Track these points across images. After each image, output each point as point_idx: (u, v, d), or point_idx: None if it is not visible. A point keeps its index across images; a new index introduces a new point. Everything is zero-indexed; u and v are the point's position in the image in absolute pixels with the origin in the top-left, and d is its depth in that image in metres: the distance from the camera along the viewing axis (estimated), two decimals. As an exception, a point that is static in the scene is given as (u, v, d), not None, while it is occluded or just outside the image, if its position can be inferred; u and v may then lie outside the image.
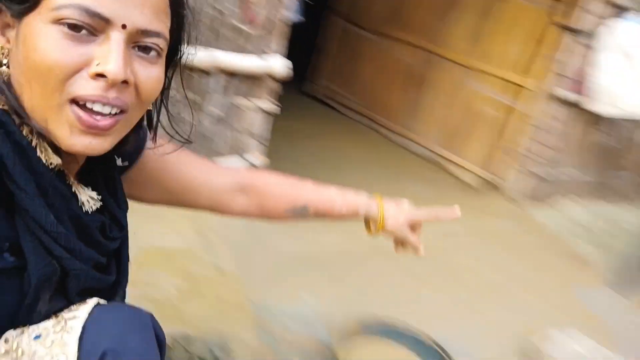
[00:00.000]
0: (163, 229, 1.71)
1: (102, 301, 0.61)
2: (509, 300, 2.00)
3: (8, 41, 0.54)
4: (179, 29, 0.60)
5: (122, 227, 0.69)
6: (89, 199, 0.62)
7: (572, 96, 2.72)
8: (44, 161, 0.54)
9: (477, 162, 3.10)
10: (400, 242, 0.97)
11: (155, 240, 1.62)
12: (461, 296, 1.93)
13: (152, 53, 0.55)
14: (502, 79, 2.99)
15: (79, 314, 0.57)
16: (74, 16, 0.49)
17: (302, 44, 4.80)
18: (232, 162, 1.98)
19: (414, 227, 0.95)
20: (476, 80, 3.13)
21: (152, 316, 0.63)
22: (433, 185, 3.04)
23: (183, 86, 0.67)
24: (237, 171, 0.92)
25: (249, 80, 1.86)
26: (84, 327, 0.55)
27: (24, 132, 0.53)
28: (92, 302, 0.59)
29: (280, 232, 2.01)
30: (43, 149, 0.54)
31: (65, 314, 0.57)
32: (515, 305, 1.97)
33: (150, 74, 0.55)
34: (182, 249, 1.69)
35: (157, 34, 0.54)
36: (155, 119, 0.66)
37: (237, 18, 1.74)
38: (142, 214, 1.73)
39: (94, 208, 0.63)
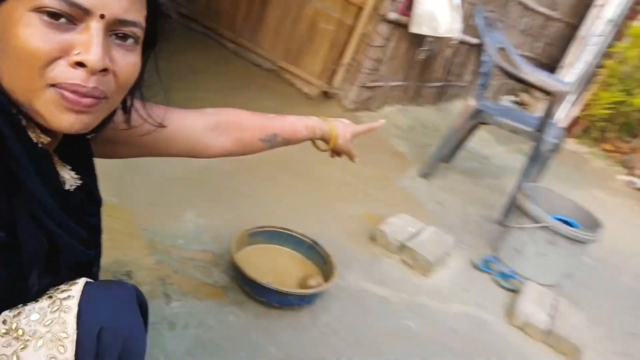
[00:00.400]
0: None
1: (90, 280, 0.63)
2: (353, 195, 2.41)
3: None
4: (155, 17, 0.62)
5: (99, 203, 0.72)
6: (69, 177, 0.65)
7: (401, 18, 3.11)
8: (35, 141, 0.57)
9: (316, 75, 3.36)
10: (337, 152, 1.17)
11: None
12: (319, 197, 2.25)
13: (130, 40, 0.57)
14: (343, -1, 3.19)
15: (72, 294, 0.58)
16: (54, 5, 0.50)
17: None
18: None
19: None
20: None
21: (135, 287, 0.67)
22: (278, 96, 3.24)
23: (158, 72, 0.70)
24: (205, 112, 0.92)
25: None
26: (79, 306, 0.57)
27: (14, 111, 0.54)
28: (82, 281, 0.61)
29: (150, 159, 2.01)
30: (32, 129, 0.56)
31: (59, 294, 0.59)
32: (358, 199, 2.40)
33: (128, 61, 0.57)
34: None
35: (134, 23, 0.56)
36: (129, 103, 0.69)
37: None
38: None
39: (75, 186, 0.65)
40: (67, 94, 0.53)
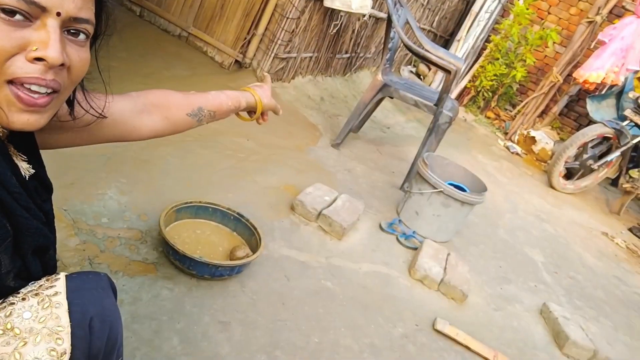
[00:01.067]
0: None
1: (67, 274, 0.67)
2: (269, 165, 2.51)
3: None
4: (100, 14, 0.65)
5: (51, 190, 0.75)
6: (24, 166, 0.67)
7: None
8: None
9: (229, 44, 3.34)
10: (262, 116, 1.21)
11: None
12: (236, 169, 2.31)
13: (81, 36, 0.61)
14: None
15: (58, 289, 0.63)
16: (12, 3, 0.52)
17: None
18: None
19: None
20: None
21: (106, 275, 0.73)
22: (189, 64, 3.17)
23: (98, 66, 0.73)
24: (130, 95, 0.92)
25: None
26: (68, 300, 0.62)
27: None
28: (62, 275, 0.65)
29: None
30: None
31: (45, 291, 0.63)
32: (274, 169, 2.50)
33: (81, 55, 0.61)
34: None
35: (86, 21, 0.60)
36: (72, 96, 0.72)
37: None
38: None
39: (29, 174, 0.68)
40: (22, 94, 0.56)
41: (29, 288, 0.64)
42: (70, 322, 0.60)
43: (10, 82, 0.55)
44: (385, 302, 1.91)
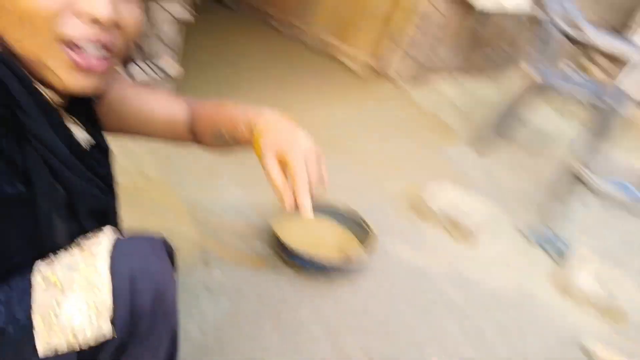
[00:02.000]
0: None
1: (114, 229, 0.64)
2: (396, 167, 2.37)
3: None
4: None
5: (108, 153, 0.74)
6: (82, 134, 0.67)
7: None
8: (45, 95, 0.58)
9: (365, 50, 3.31)
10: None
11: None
12: (361, 169, 2.23)
13: None
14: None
15: (101, 242, 0.60)
16: None
17: None
18: (144, 69, 1.94)
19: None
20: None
21: (165, 239, 0.67)
22: (323, 74, 3.22)
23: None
24: (181, 100, 0.90)
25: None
26: (112, 253, 0.58)
27: (23, 71, 0.56)
28: (108, 229, 0.63)
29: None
30: (40, 87, 0.58)
31: (88, 244, 0.60)
32: (401, 171, 2.35)
33: (133, 13, 0.58)
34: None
35: None
36: (129, 56, 0.69)
37: None
38: None
39: (87, 142, 0.68)
40: (78, 58, 0.54)
41: (77, 243, 0.63)
42: (110, 273, 0.57)
43: (66, 43, 0.54)
44: (522, 318, 1.61)
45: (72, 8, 0.52)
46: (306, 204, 0.69)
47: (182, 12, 1.94)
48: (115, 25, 0.56)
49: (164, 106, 0.87)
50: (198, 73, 2.64)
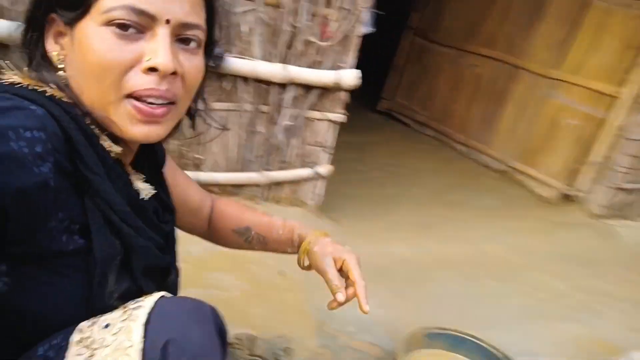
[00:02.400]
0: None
1: (167, 294, 0.61)
2: (585, 316, 1.86)
3: (62, 48, 0.58)
4: (212, 20, 0.65)
5: (172, 210, 0.74)
6: (144, 186, 0.67)
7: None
8: (107, 149, 0.59)
9: (555, 175, 2.94)
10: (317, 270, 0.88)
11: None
12: (527, 306, 1.82)
13: (192, 44, 0.60)
14: (590, 89, 2.82)
15: (144, 304, 0.58)
16: (123, 16, 0.53)
17: (378, 63, 4.96)
18: (301, 173, 2.04)
19: (343, 271, 0.86)
20: (560, 91, 2.98)
21: (214, 309, 0.63)
22: (503, 196, 2.93)
23: (202, 88, 0.68)
24: (202, 190, 0.95)
25: (321, 92, 1.91)
26: (149, 316, 0.55)
27: (88, 123, 0.58)
28: (158, 294, 0.60)
29: (343, 241, 2.03)
30: (104, 139, 0.59)
31: (131, 305, 0.58)
32: (592, 321, 1.83)
33: (193, 63, 0.60)
34: (247, 251, 1.75)
35: (196, 26, 0.59)
36: (193, 107, 0.71)
37: (312, 33, 1.80)
38: None
39: (149, 195, 0.67)
40: (141, 106, 0.56)
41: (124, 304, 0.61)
42: (143, 338, 0.53)
43: (129, 96, 0.56)
44: None
45: (139, 65, 0.55)
46: (364, 296, 0.82)
47: (338, 116, 2.01)
48: (176, 75, 0.57)
49: (197, 190, 0.92)
50: (350, 175, 2.68)
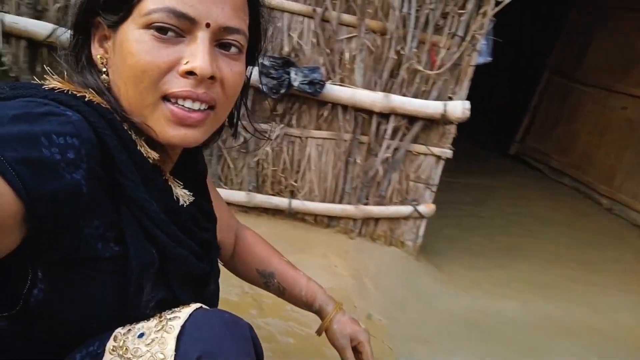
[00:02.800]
0: (320, 268, 1.72)
1: (204, 306, 0.60)
2: None
3: (106, 51, 0.59)
4: (257, 26, 0.63)
5: (212, 219, 0.73)
6: (182, 193, 0.65)
7: None
8: (145, 154, 0.58)
9: None
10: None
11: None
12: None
13: (233, 49, 0.58)
14: None
15: (180, 315, 0.57)
16: (163, 19, 0.53)
17: (511, 106, 4.66)
18: (401, 210, 1.90)
19: (357, 350, 0.91)
20: None
21: (250, 326, 0.62)
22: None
23: (245, 86, 0.66)
24: (232, 214, 0.95)
25: (426, 124, 1.79)
26: (183, 328, 0.55)
27: (125, 128, 0.57)
28: (195, 305, 0.60)
29: (443, 290, 1.82)
30: (141, 144, 0.58)
31: (168, 315, 0.58)
32: None
33: (233, 69, 0.58)
34: (336, 289, 1.66)
35: (237, 30, 0.57)
36: (235, 116, 0.70)
37: (419, 61, 1.71)
38: (299, 248, 1.78)
39: (187, 202, 0.66)
40: (177, 109, 0.55)
41: (160, 313, 0.60)
42: (175, 351, 0.53)
43: (165, 98, 0.56)
44: None
45: (177, 67, 0.55)
46: None
47: (444, 151, 1.84)
48: (214, 80, 0.56)
49: (226, 211, 0.92)
50: (462, 219, 2.42)
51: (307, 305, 0.94)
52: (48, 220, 0.47)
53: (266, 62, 1.58)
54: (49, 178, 0.46)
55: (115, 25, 0.56)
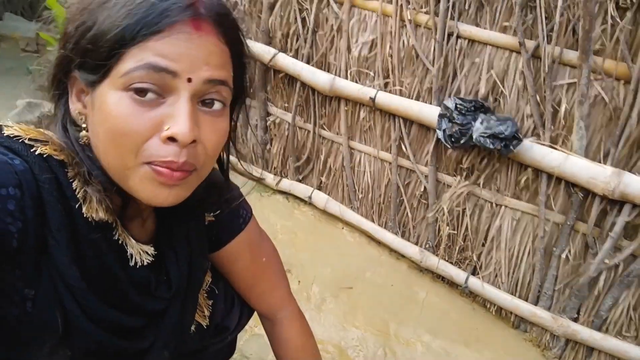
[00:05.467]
0: None
1: None
2: None
3: (84, 106, 0.56)
4: (242, 77, 0.61)
5: (171, 288, 0.66)
6: (140, 252, 0.61)
7: None
8: (85, 214, 0.55)
9: None
10: None
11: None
12: None
13: (217, 105, 0.55)
14: None
15: None
16: (142, 78, 0.50)
17: None
18: (629, 350, 1.22)
19: None
20: None
21: None
22: None
23: (231, 132, 0.63)
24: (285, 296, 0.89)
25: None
26: None
27: (74, 185, 0.54)
28: None
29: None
30: (88, 203, 0.55)
31: None
32: None
33: (216, 127, 0.55)
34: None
35: (221, 82, 0.54)
36: (224, 158, 0.68)
37: None
38: (465, 338, 1.43)
39: (144, 262, 0.61)
40: (160, 169, 0.53)
41: None
42: None
43: (147, 162, 0.53)
44: None
45: (159, 133, 0.52)
46: None
47: None
48: (196, 142, 0.54)
49: (274, 287, 0.88)
50: None
51: None
52: None
53: (449, 104, 1.30)
54: None
55: (92, 85, 0.53)
